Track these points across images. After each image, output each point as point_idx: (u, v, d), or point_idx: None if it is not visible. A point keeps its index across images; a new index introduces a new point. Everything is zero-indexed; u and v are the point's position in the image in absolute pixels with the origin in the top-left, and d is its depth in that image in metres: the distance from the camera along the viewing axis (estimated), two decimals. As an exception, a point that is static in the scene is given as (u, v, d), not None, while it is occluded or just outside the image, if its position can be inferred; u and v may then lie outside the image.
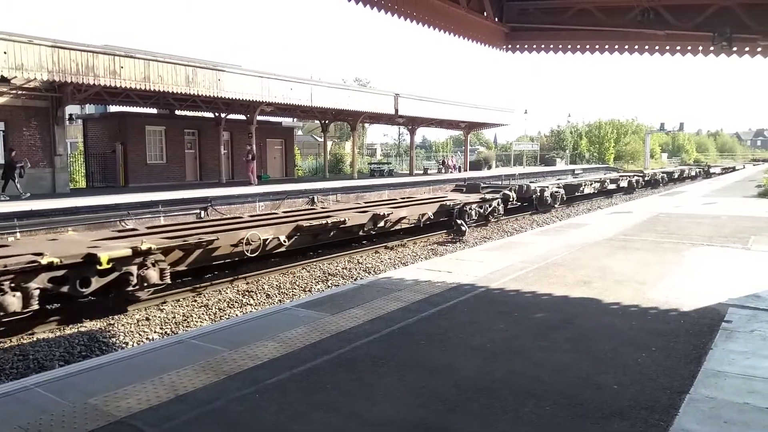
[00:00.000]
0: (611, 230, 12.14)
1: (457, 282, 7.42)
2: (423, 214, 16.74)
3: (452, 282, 7.43)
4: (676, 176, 45.23)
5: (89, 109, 37.91)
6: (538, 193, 23.75)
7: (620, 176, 36.01)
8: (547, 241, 10.78)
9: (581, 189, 29.09)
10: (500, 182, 27.18)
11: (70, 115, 27.77)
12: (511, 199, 21.79)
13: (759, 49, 8.40)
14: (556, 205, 24.79)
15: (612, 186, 32.98)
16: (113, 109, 28.93)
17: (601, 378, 4.29)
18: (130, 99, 26.05)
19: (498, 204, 20.11)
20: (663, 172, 43.18)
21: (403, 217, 16.10)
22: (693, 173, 50.03)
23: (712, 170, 55.08)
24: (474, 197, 19.57)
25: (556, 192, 25.07)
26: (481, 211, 19.07)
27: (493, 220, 20.06)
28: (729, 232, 11.71)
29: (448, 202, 18.01)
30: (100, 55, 18.36)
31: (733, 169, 61.65)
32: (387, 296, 6.73)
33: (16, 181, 18.39)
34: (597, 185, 31.05)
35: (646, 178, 37.99)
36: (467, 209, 18.12)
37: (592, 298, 6.60)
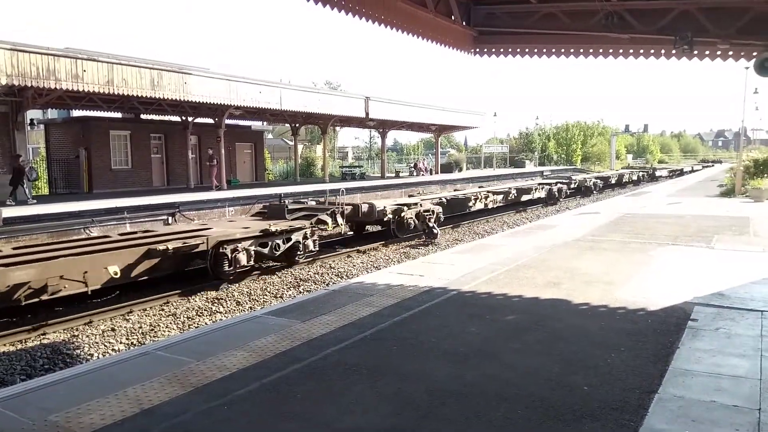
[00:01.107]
0: (579, 231, 12.31)
1: (429, 285, 7.41)
2: (88, 274, 8.98)
3: (424, 285, 7.42)
4: (613, 182, 38.73)
5: (51, 113, 36.95)
6: (390, 215, 16.27)
7: (538, 184, 28.54)
8: (517, 242, 10.87)
9: (472, 204, 21.56)
10: (334, 196, 16.42)
11: (32, 120, 26.90)
12: (333, 227, 14.32)
13: (718, 53, 8.63)
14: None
15: (525, 197, 25.98)
16: (76, 113, 28.20)
17: (571, 379, 4.31)
18: (94, 103, 25.41)
19: (305, 237, 12.95)
20: (597, 177, 37.01)
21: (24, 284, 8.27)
22: (634, 177, 43.43)
23: (658, 173, 50.07)
24: (255, 228, 12.14)
25: (429, 212, 17.54)
26: (265, 251, 12.00)
27: (301, 261, 13.15)
28: (693, 231, 12.00)
29: (164, 245, 10.15)
30: (62, 59, 17.86)
31: (681, 172, 56.45)
32: (359, 301, 6.68)
33: (25, 186, 18.75)
34: (499, 198, 23.80)
35: (572, 186, 31.70)
36: (226, 251, 11.13)
37: (562, 299, 6.67)
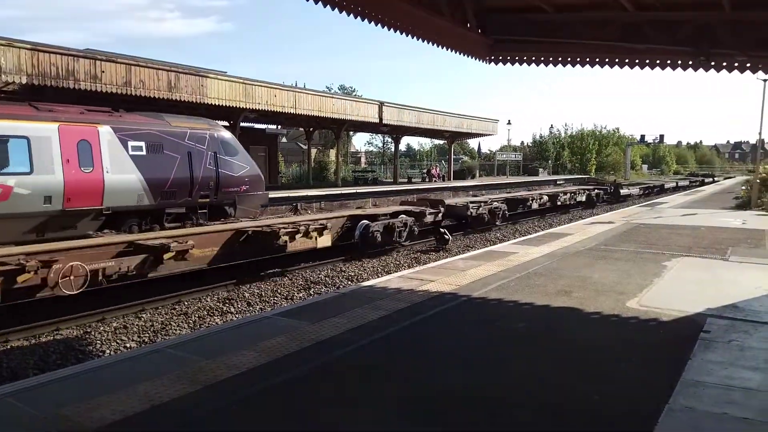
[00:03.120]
0: (591, 240, 12.24)
1: (440, 291, 7.41)
2: None
3: (435, 291, 7.41)
4: (535, 206, 23.76)
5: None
6: None
7: (323, 220, 13.39)
8: (529, 250, 10.83)
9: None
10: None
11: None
12: None
13: (736, 64, 8.55)
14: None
15: (300, 244, 12.11)
16: (94, 113, 28.57)
17: (581, 388, 4.29)
18: (111, 104, 25.73)
19: None
20: (502, 201, 20.86)
21: None
22: (582, 198, 28.15)
23: (626, 191, 34.38)
24: None
25: None
26: None
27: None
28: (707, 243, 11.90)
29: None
30: (81, 59, 18.15)
31: (661, 189, 40.92)
32: (369, 305, 6.69)
33: None
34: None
35: (428, 219, 16.83)
36: None
37: (573, 307, 6.63)
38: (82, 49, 19.86)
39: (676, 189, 42.75)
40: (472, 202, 19.36)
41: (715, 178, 61.99)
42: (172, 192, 14.19)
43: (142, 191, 13.54)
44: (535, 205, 23.89)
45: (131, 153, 13.37)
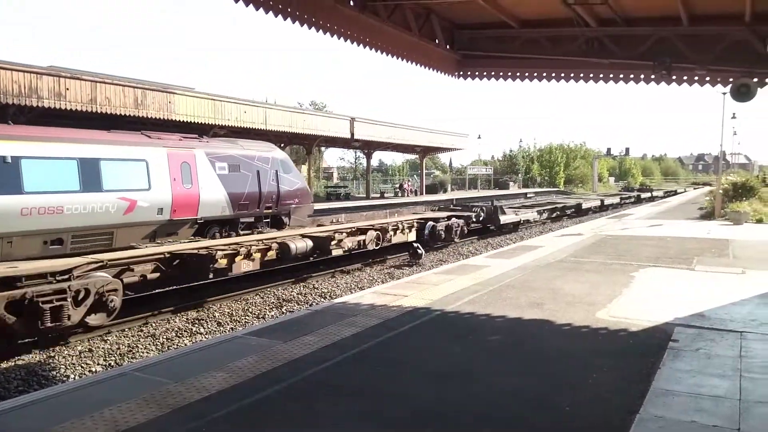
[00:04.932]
0: (562, 253, 12.40)
1: (413, 306, 7.39)
2: None
3: (408, 306, 7.39)
4: (246, 267, 11.25)
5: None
6: None
7: None
8: (501, 263, 10.90)
9: None
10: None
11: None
12: None
13: (696, 78, 8.83)
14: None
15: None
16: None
17: (553, 400, 4.30)
18: (77, 122, 25.25)
19: None
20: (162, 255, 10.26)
21: None
22: (407, 236, 16.47)
23: (511, 216, 22.90)
24: None
25: None
26: None
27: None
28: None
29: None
30: (45, 76, 17.79)
31: (578, 210, 30.44)
32: (342, 322, 6.63)
33: None
34: None
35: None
36: None
37: (545, 319, 6.68)
38: (46, 66, 19.47)
39: (602, 209, 33.54)
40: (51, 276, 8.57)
41: (653, 193, 51.65)
42: (246, 204, 16.71)
43: (225, 204, 16.02)
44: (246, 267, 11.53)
45: (218, 172, 15.88)
